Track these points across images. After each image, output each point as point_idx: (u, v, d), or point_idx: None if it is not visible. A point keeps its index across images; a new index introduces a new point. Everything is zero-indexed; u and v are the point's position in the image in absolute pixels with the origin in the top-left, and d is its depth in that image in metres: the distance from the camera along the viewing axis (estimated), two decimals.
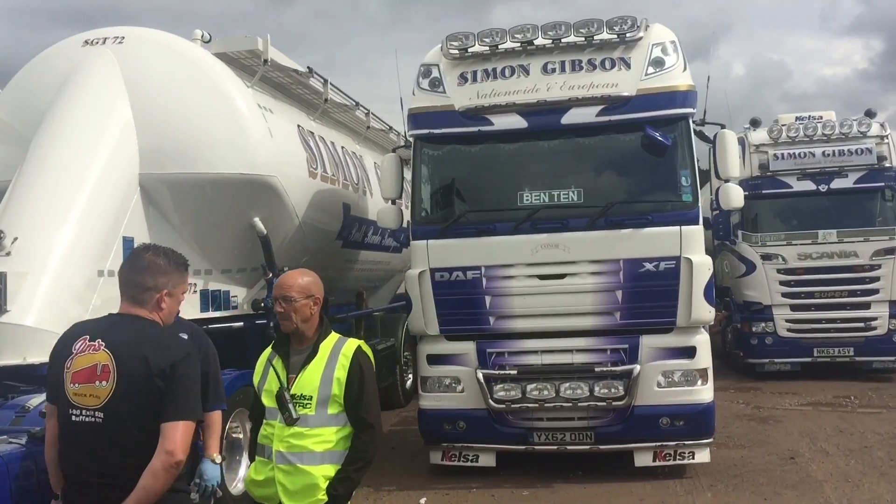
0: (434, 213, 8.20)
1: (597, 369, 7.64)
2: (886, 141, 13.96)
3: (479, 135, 7.93)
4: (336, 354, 3.94)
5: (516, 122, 7.83)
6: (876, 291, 13.68)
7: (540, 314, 7.80)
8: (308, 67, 9.02)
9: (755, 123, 14.81)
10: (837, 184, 13.93)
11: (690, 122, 7.82)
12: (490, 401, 7.74)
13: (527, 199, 7.90)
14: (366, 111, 11.15)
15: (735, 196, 7.85)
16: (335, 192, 9.47)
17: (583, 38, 7.76)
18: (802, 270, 13.94)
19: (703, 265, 7.60)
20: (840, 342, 13.87)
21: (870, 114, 14.25)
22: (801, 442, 9.40)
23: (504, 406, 7.74)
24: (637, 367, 7.58)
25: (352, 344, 4.03)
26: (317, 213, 8.85)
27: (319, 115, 9.77)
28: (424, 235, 8.01)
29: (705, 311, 7.62)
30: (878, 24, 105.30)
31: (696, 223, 7.68)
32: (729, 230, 14.71)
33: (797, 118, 14.88)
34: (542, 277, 7.76)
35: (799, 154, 14.09)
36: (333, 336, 4.07)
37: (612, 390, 7.59)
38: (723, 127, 8.03)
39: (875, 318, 13.71)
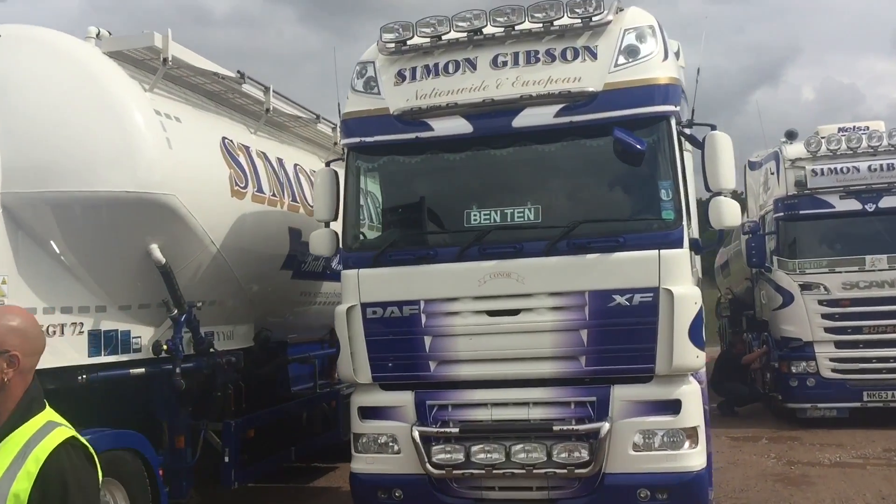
0: (367, 237, 6.92)
1: (555, 428, 6.20)
2: None
3: (418, 143, 6.63)
4: (24, 456, 2.49)
5: (460, 126, 6.51)
6: None
7: (489, 359, 6.42)
8: (239, 72, 7.86)
9: (791, 136, 13.19)
10: (887, 202, 12.20)
11: (673, 122, 6.38)
12: (428, 465, 6.36)
13: (474, 219, 6.56)
14: (332, 126, 9.95)
15: (728, 212, 6.34)
16: (276, 216, 8.25)
17: (540, 25, 6.43)
18: (848, 302, 12.20)
19: (687, 298, 6.13)
20: (894, 384, 12.04)
21: None
22: None
23: (444, 472, 6.34)
24: (605, 426, 6.11)
25: (54, 438, 2.55)
26: (247, 240, 7.64)
27: (264, 128, 8.61)
28: (356, 264, 6.73)
29: (691, 356, 6.13)
30: None
31: (680, 246, 6.22)
32: (763, 256, 13.05)
33: (840, 129, 13.19)
34: (491, 314, 6.39)
35: (841, 169, 12.40)
36: (36, 422, 2.59)
37: (575, 454, 6.14)
38: (713, 128, 6.55)
39: None
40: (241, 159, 7.75)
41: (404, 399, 6.57)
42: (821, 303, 12.32)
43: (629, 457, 6.18)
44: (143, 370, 6.75)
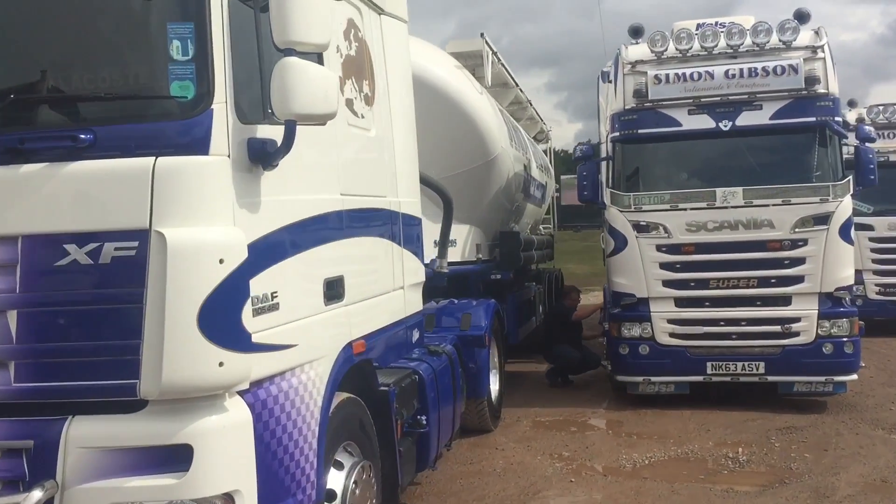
0: None
1: None
2: (821, 56, 9.33)
3: None
4: None
5: None
6: (800, 279, 9.15)
7: None
8: None
9: (636, 33, 10.15)
10: (746, 119, 9.34)
11: None
12: None
13: None
14: None
15: (297, 87, 3.31)
16: None
17: None
18: (692, 248, 9.41)
19: (196, 251, 3.13)
20: (746, 354, 9.38)
21: (801, 16, 9.58)
22: None
23: None
24: (37, 496, 3.15)
25: None
26: None
27: None
28: None
29: (199, 364, 3.15)
30: None
31: (203, 150, 3.21)
32: (597, 189, 10.19)
33: (699, 25, 10.25)
34: None
35: (691, 75, 9.48)
36: None
37: None
38: None
39: (797, 319, 9.19)
40: None
41: None
42: (659, 249, 9.50)
43: None
44: None
